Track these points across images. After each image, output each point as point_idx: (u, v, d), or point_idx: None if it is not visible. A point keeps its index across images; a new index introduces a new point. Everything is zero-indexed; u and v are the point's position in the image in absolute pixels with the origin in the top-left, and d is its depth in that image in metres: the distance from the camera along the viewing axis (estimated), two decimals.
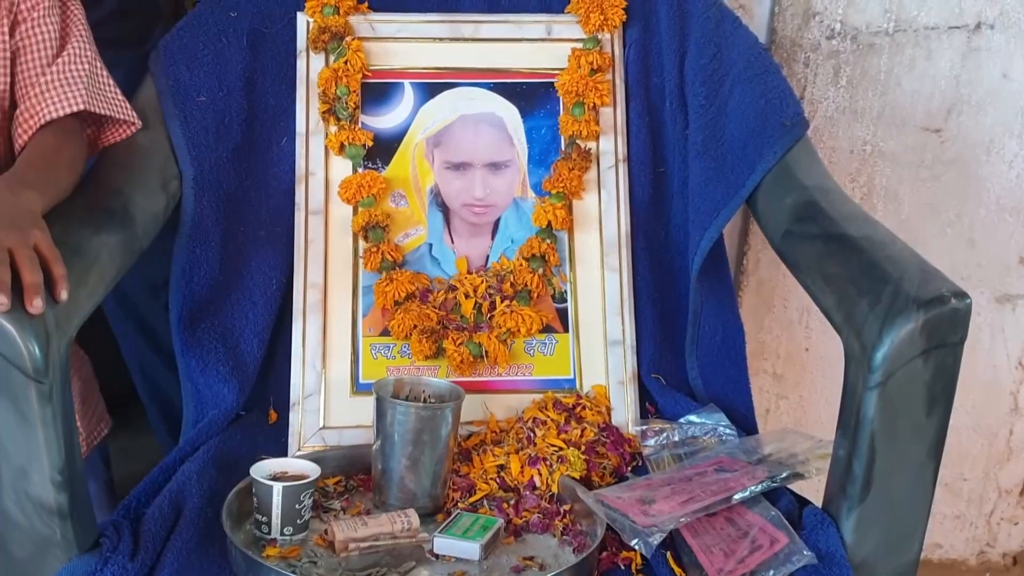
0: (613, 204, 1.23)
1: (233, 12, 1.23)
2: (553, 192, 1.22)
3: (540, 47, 1.27)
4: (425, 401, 1.06)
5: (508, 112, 1.25)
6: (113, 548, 0.89)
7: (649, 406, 1.19)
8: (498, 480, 1.06)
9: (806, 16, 1.44)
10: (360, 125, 1.23)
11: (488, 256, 1.23)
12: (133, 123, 1.09)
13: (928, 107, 1.48)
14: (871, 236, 1.00)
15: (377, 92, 1.24)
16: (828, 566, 0.91)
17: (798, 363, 1.60)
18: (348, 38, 1.23)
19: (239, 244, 1.20)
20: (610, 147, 1.24)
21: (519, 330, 1.18)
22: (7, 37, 1.02)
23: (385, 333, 1.18)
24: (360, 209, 1.20)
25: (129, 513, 0.96)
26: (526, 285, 1.19)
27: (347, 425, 1.13)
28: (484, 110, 1.25)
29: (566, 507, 1.02)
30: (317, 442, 1.12)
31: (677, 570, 0.93)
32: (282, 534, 0.95)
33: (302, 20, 1.25)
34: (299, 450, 1.11)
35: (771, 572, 0.89)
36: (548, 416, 1.12)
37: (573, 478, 1.05)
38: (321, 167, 1.22)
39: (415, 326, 1.16)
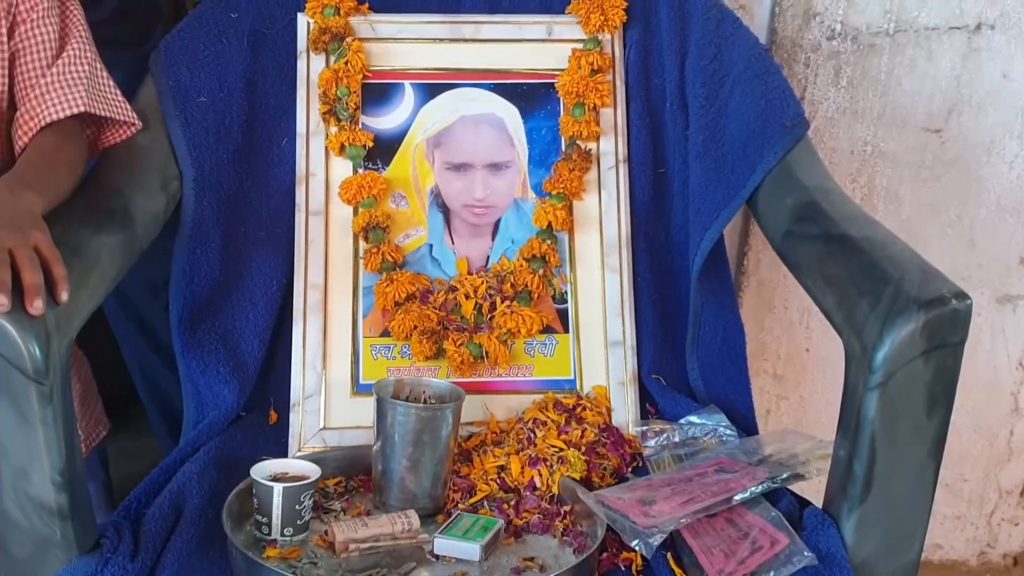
0: (613, 205, 1.23)
1: (234, 13, 1.23)
2: (553, 193, 1.22)
3: (540, 48, 1.27)
4: (425, 402, 1.06)
5: (508, 113, 1.25)
6: (113, 549, 0.89)
7: (649, 407, 1.19)
8: (498, 481, 1.06)
9: (806, 17, 1.44)
10: (360, 126, 1.23)
11: (488, 257, 1.23)
12: (133, 124, 1.09)
13: (929, 108, 1.48)
14: (871, 237, 1.00)
15: (377, 93, 1.24)
16: (829, 567, 0.91)
17: (798, 364, 1.60)
18: (348, 39, 1.23)
19: (239, 245, 1.20)
20: (610, 148, 1.24)
21: (519, 331, 1.18)
22: (5, 39, 1.02)
23: (385, 334, 1.18)
24: (360, 210, 1.20)
25: (129, 514, 0.96)
26: (526, 286, 1.19)
27: (347, 426, 1.13)
28: (484, 111, 1.25)
29: (566, 508, 1.02)
30: (317, 443, 1.12)
31: (677, 571, 0.93)
32: (282, 535, 0.95)
33: (302, 21, 1.25)
34: (299, 451, 1.11)
35: (772, 573, 0.89)
36: (548, 417, 1.12)
37: (573, 479, 1.05)
38: (321, 168, 1.22)
39: (415, 327, 1.16)
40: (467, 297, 1.20)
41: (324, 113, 1.22)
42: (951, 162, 1.50)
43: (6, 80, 1.03)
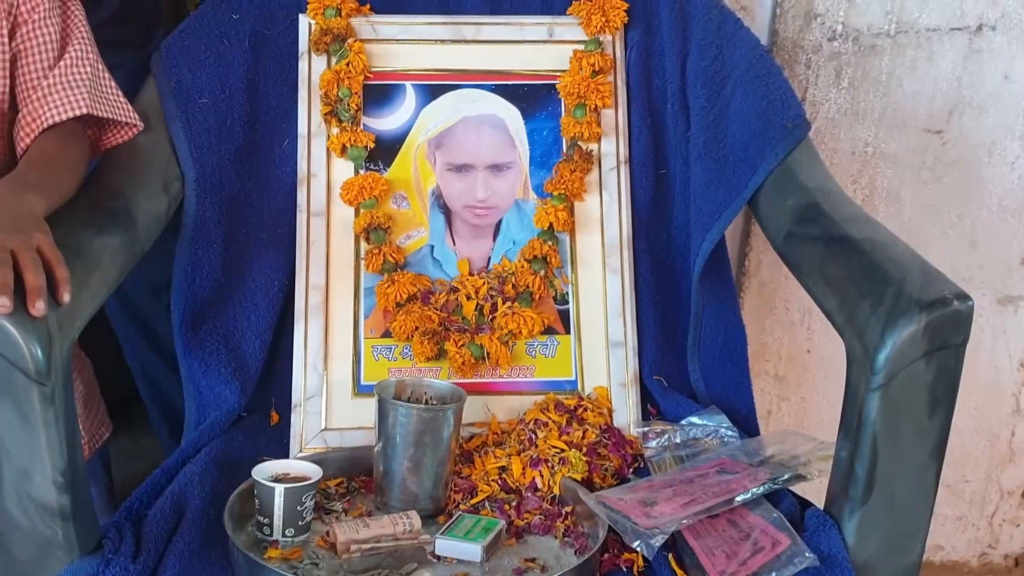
0: (615, 206, 1.23)
1: (235, 14, 1.23)
2: (555, 194, 1.22)
3: (542, 49, 1.27)
4: (427, 403, 1.06)
5: (510, 114, 1.25)
6: (115, 549, 0.89)
7: (651, 408, 1.19)
8: (500, 482, 1.06)
9: (807, 18, 1.44)
10: (362, 127, 1.23)
11: (490, 258, 1.23)
12: (135, 125, 1.09)
13: (930, 108, 1.48)
14: (873, 238, 1.00)
15: (379, 94, 1.24)
16: (830, 568, 0.91)
17: (799, 364, 1.60)
18: (350, 40, 1.23)
19: (241, 246, 1.20)
20: (612, 149, 1.24)
21: (521, 332, 1.18)
22: (7, 40, 1.02)
23: (387, 335, 1.18)
24: (362, 211, 1.20)
25: (131, 514, 0.96)
26: (528, 287, 1.20)
27: (349, 427, 1.13)
28: (486, 112, 1.25)
29: (568, 509, 1.02)
30: (319, 444, 1.12)
31: (679, 572, 0.93)
32: (284, 536, 0.95)
33: (304, 22, 1.25)
34: (301, 452, 1.11)
35: (773, 574, 0.89)
36: (550, 418, 1.12)
37: (575, 480, 1.05)
38: (323, 169, 1.22)
39: (417, 328, 1.16)
40: (468, 298, 1.20)
41: (325, 114, 1.22)
42: (952, 163, 1.50)
43: (7, 81, 1.03)
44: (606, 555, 0.95)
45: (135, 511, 0.97)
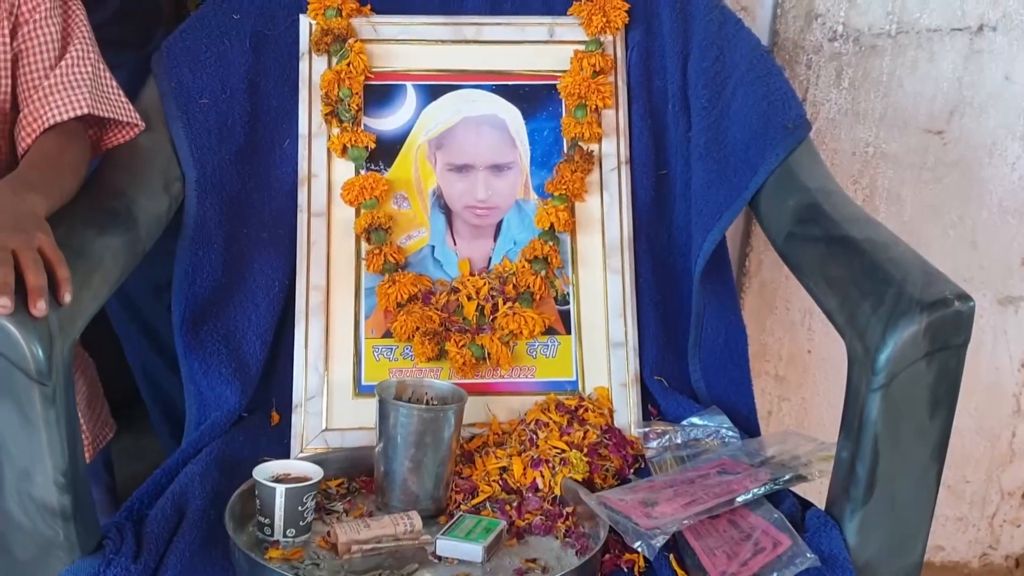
0: (615, 206, 1.23)
1: (236, 14, 1.23)
2: (555, 194, 1.22)
3: (542, 49, 1.27)
4: (427, 403, 1.06)
5: (510, 114, 1.25)
6: (116, 550, 0.89)
7: (651, 408, 1.19)
8: (500, 482, 1.06)
9: (808, 18, 1.44)
10: (362, 127, 1.23)
11: (490, 258, 1.23)
12: (136, 125, 1.09)
13: (930, 109, 1.48)
14: (874, 238, 1.00)
15: (379, 94, 1.24)
16: (831, 568, 0.91)
17: (800, 365, 1.60)
18: (350, 40, 1.23)
19: (242, 246, 1.20)
20: (612, 149, 1.24)
21: (521, 332, 1.18)
22: (8, 40, 1.02)
23: (387, 335, 1.18)
24: (362, 211, 1.20)
25: (132, 515, 0.96)
26: (528, 287, 1.20)
27: (349, 427, 1.13)
28: (486, 112, 1.25)
29: (568, 509, 1.02)
30: (319, 444, 1.12)
31: (680, 572, 0.93)
32: (285, 536, 0.95)
33: (304, 22, 1.25)
34: (301, 452, 1.11)
35: (774, 574, 0.89)
36: (550, 418, 1.12)
37: (575, 480, 1.05)
38: (324, 169, 1.22)
39: (417, 328, 1.16)
40: (469, 298, 1.20)
41: (326, 114, 1.22)
42: (953, 163, 1.50)
43: (9, 81, 1.03)
44: (607, 556, 0.95)
45: (136, 511, 0.97)
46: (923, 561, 0.97)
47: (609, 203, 1.23)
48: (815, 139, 1.25)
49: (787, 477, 0.99)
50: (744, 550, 0.91)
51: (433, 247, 1.23)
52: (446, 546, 0.94)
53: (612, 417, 1.16)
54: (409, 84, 1.25)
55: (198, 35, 1.21)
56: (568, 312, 1.21)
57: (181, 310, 1.16)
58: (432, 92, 1.25)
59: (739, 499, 0.96)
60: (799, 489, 1.03)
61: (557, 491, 1.04)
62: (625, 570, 0.94)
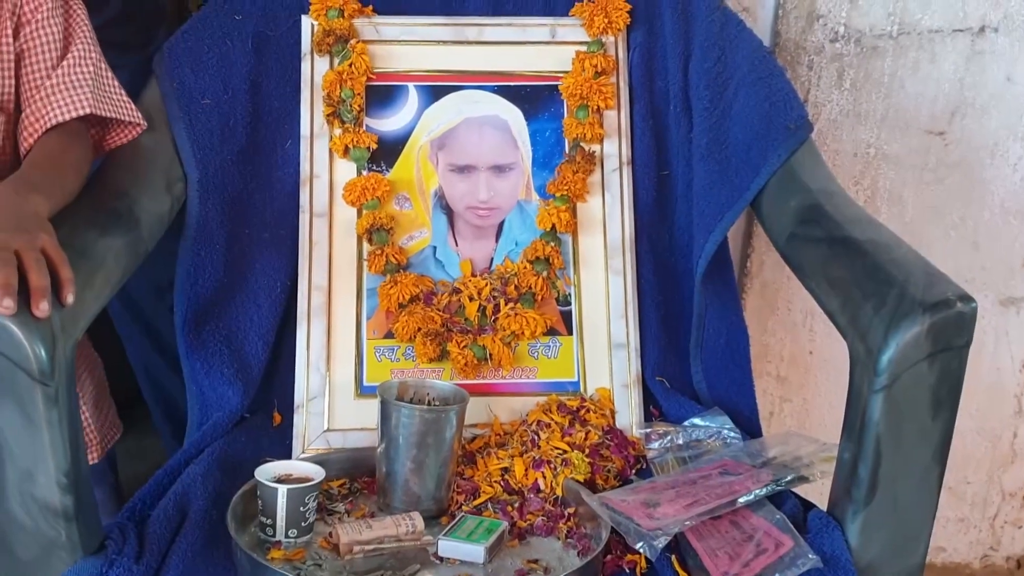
0: (617, 207, 1.23)
1: (238, 15, 1.23)
2: (557, 195, 1.22)
3: (544, 50, 1.27)
4: (429, 404, 1.06)
5: (512, 115, 1.25)
6: (118, 550, 0.89)
7: (653, 409, 1.19)
8: (502, 483, 1.06)
9: (810, 19, 1.44)
10: (364, 128, 1.23)
11: (492, 259, 1.23)
12: (138, 124, 1.09)
13: (932, 110, 1.48)
14: (876, 239, 1.00)
15: (381, 95, 1.24)
16: (833, 569, 0.91)
17: (802, 366, 1.60)
18: (352, 41, 1.24)
19: (244, 246, 1.20)
20: (614, 150, 1.24)
21: (523, 333, 1.18)
22: (11, 40, 1.02)
23: (389, 336, 1.18)
24: (364, 211, 1.20)
25: (134, 515, 0.97)
26: (530, 288, 1.20)
27: (351, 428, 1.13)
28: (488, 113, 1.25)
29: (570, 510, 1.02)
30: (321, 444, 1.12)
31: (682, 573, 0.93)
32: (287, 536, 0.95)
33: (306, 23, 1.25)
34: (303, 452, 1.11)
35: (776, 575, 0.89)
36: (552, 419, 1.12)
37: (577, 481, 1.05)
38: (325, 170, 1.22)
39: (419, 329, 1.16)
40: (471, 299, 1.20)
41: (328, 115, 1.22)
42: (954, 164, 1.50)
43: (12, 81, 1.03)
44: (609, 556, 0.95)
45: (138, 512, 0.97)
46: (925, 562, 0.97)
47: (611, 204, 1.23)
48: (816, 140, 1.25)
49: (789, 478, 0.99)
50: (746, 551, 0.91)
51: (435, 248, 1.23)
52: (448, 547, 0.94)
53: (614, 418, 1.16)
54: (411, 85, 1.25)
55: (200, 36, 1.21)
56: (570, 313, 1.21)
57: (183, 310, 1.16)
58: (434, 93, 1.25)
59: (741, 500, 0.96)
60: (801, 490, 1.03)
61: (559, 492, 1.04)
62: (627, 571, 0.94)
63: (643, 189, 1.24)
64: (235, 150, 1.20)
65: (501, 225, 1.24)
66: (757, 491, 0.97)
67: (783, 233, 1.09)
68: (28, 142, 1.02)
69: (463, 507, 1.03)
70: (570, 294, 1.21)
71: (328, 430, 1.13)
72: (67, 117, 1.01)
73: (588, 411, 1.14)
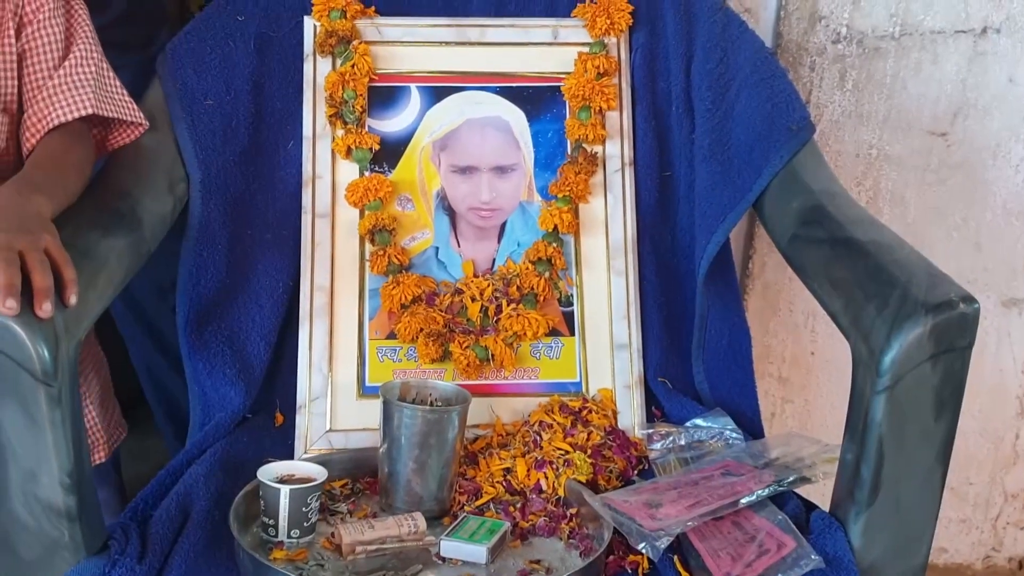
0: (619, 208, 1.23)
1: (240, 16, 1.23)
2: (559, 196, 1.22)
3: (546, 51, 1.27)
4: (432, 404, 1.06)
5: (514, 116, 1.25)
6: (121, 550, 0.89)
7: (655, 410, 1.19)
8: (504, 483, 1.06)
9: (812, 20, 1.44)
10: (367, 129, 1.23)
11: (494, 259, 1.23)
12: (141, 124, 1.09)
13: (934, 111, 1.48)
14: (878, 240, 1.00)
15: (384, 96, 1.25)
16: (836, 570, 0.91)
17: (803, 367, 1.60)
18: (355, 42, 1.24)
19: (246, 247, 1.20)
20: (616, 151, 1.24)
21: (525, 333, 1.18)
22: (14, 40, 1.02)
23: (391, 336, 1.18)
24: (367, 212, 1.20)
25: (136, 515, 0.97)
26: (532, 288, 1.20)
27: (353, 428, 1.13)
28: (490, 114, 1.25)
29: (572, 511, 1.02)
30: (323, 445, 1.12)
31: (684, 574, 0.93)
32: (289, 537, 0.95)
33: (309, 24, 1.25)
34: (305, 453, 1.11)
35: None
36: (554, 419, 1.12)
37: (579, 482, 1.05)
38: (328, 170, 1.22)
39: (421, 329, 1.16)
40: (473, 300, 1.20)
41: (330, 116, 1.22)
42: (957, 165, 1.50)
43: (16, 82, 1.03)
44: (611, 557, 0.95)
45: (140, 512, 0.97)
46: (928, 563, 0.97)
47: (613, 205, 1.23)
48: (819, 141, 1.25)
49: (791, 479, 0.99)
50: (748, 552, 0.91)
51: (437, 248, 1.23)
52: (450, 547, 0.94)
53: (616, 419, 1.16)
54: (413, 86, 1.25)
55: (203, 37, 1.21)
56: (572, 314, 1.21)
57: (185, 311, 1.16)
58: (436, 94, 1.25)
59: (743, 501, 0.96)
60: (803, 491, 1.03)
61: (561, 492, 1.04)
62: (629, 571, 0.94)
63: (645, 190, 1.24)
64: (237, 151, 1.20)
65: (503, 226, 1.24)
66: (759, 492, 0.97)
67: (785, 234, 1.09)
68: (30, 142, 1.02)
69: (465, 507, 1.03)
70: (572, 295, 1.21)
71: (330, 430, 1.13)
72: (69, 117, 1.01)
73: (590, 412, 1.14)
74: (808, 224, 1.07)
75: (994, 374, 1.59)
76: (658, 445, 1.12)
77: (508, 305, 1.19)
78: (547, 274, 1.20)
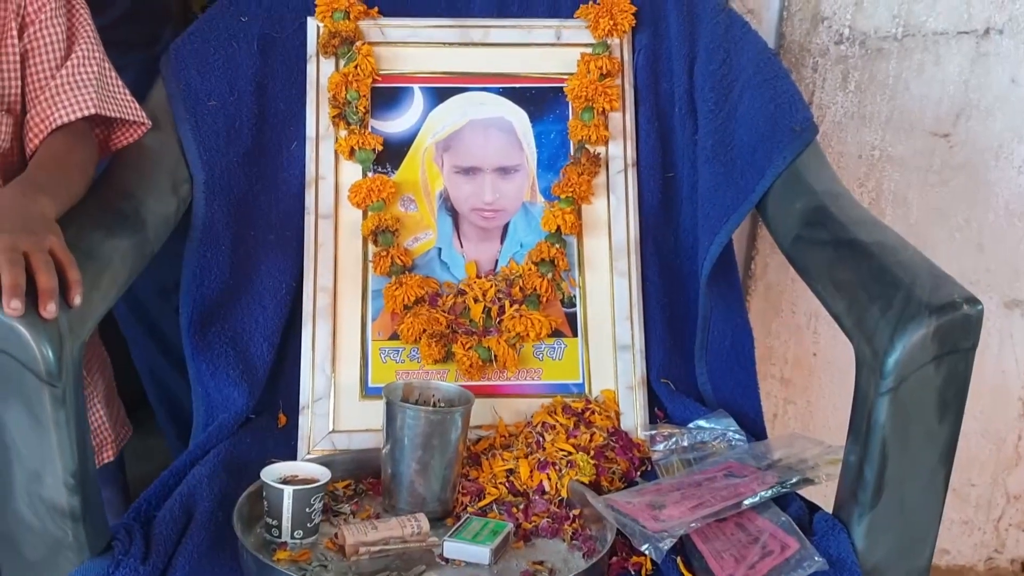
0: (622, 209, 1.23)
1: (244, 17, 1.23)
2: (562, 197, 1.22)
3: (549, 52, 1.27)
4: (434, 405, 1.06)
5: (517, 117, 1.25)
6: (125, 551, 0.89)
7: (658, 411, 1.19)
8: (507, 484, 1.06)
9: (815, 21, 1.44)
10: (370, 129, 1.23)
11: (497, 260, 1.23)
12: (143, 123, 1.09)
13: (937, 112, 1.48)
14: (882, 241, 1.00)
15: (387, 96, 1.25)
16: (839, 572, 0.91)
17: (806, 368, 1.60)
18: (358, 43, 1.24)
19: (249, 248, 1.20)
20: (619, 152, 1.24)
21: (528, 334, 1.18)
22: (16, 40, 1.02)
23: (394, 337, 1.18)
24: (370, 213, 1.20)
25: (140, 516, 0.97)
26: (535, 289, 1.20)
27: (356, 429, 1.14)
28: (493, 115, 1.25)
29: (575, 512, 1.02)
30: (327, 446, 1.12)
31: (687, 575, 0.93)
32: (292, 538, 0.95)
33: (312, 25, 1.25)
34: (309, 454, 1.11)
35: None
36: (557, 420, 1.12)
37: (582, 483, 1.05)
38: (331, 171, 1.22)
39: (424, 330, 1.16)
40: (476, 301, 1.20)
41: (334, 117, 1.22)
42: (959, 166, 1.50)
43: (20, 82, 1.03)
44: (614, 558, 0.95)
45: (144, 512, 0.97)
46: (931, 565, 0.97)
47: (616, 206, 1.23)
48: (821, 142, 1.25)
49: (794, 480, 0.99)
50: (752, 553, 0.91)
51: (440, 249, 1.23)
52: (453, 548, 0.94)
53: (619, 420, 1.16)
54: (416, 87, 1.25)
55: (206, 37, 1.21)
56: (575, 314, 1.21)
57: (189, 312, 1.16)
58: (439, 95, 1.25)
59: (746, 502, 0.96)
60: (806, 492, 1.02)
61: (564, 493, 1.04)
62: (632, 573, 0.94)
63: (648, 191, 1.24)
64: (241, 152, 1.20)
65: (506, 227, 1.24)
66: (762, 493, 0.97)
67: (788, 235, 1.09)
68: (33, 143, 1.02)
69: (468, 508, 1.03)
70: (575, 296, 1.21)
71: (333, 431, 1.13)
72: (72, 117, 1.01)
73: (593, 413, 1.14)
74: (811, 225, 1.07)
75: (996, 375, 1.59)
76: (661, 446, 1.12)
77: (511, 306, 1.19)
78: (550, 275, 1.20)
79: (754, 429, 1.17)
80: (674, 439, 1.12)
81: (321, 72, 1.24)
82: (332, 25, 1.24)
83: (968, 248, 1.53)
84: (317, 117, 1.23)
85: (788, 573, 0.89)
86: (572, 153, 1.25)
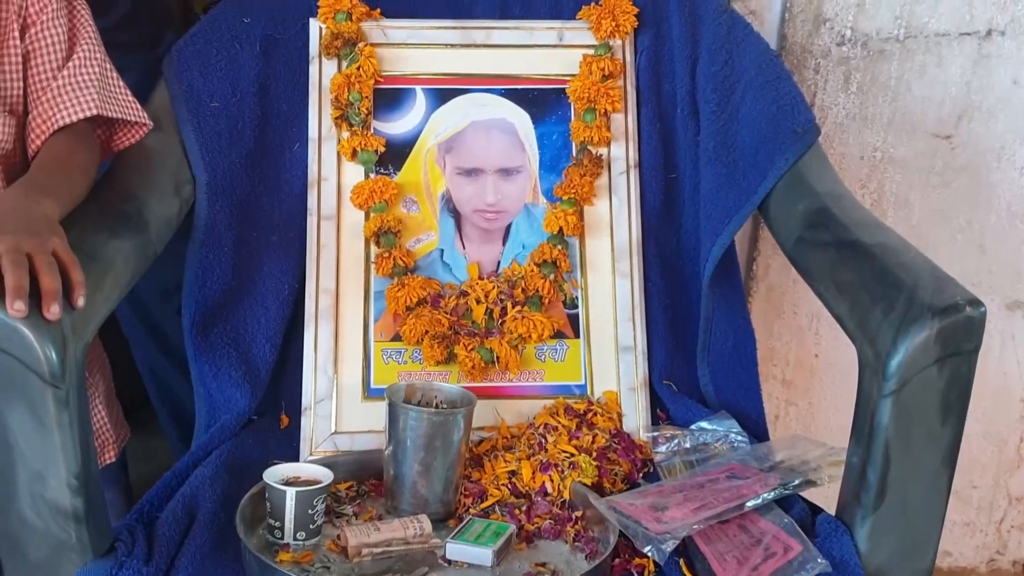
0: (624, 210, 1.23)
1: (246, 18, 1.23)
2: (564, 198, 1.22)
3: (552, 53, 1.27)
4: (437, 406, 1.06)
5: (519, 118, 1.25)
6: (128, 552, 0.90)
7: (660, 412, 1.19)
8: (509, 486, 1.06)
9: (816, 22, 1.44)
10: (372, 131, 1.23)
11: (499, 262, 1.23)
12: (145, 124, 1.09)
13: (939, 113, 1.48)
14: (884, 243, 1.00)
15: (389, 98, 1.25)
16: (842, 574, 0.91)
17: (807, 369, 1.60)
18: (360, 44, 1.24)
19: (251, 249, 1.20)
20: (621, 153, 1.24)
21: (530, 336, 1.18)
22: (18, 41, 1.02)
23: (396, 338, 1.18)
24: (372, 214, 1.21)
25: (143, 517, 0.97)
26: (537, 291, 1.20)
27: (359, 430, 1.14)
28: (496, 116, 1.25)
29: (578, 513, 1.02)
30: (329, 447, 1.12)
31: None
32: (295, 539, 0.95)
33: (315, 26, 1.25)
34: (311, 455, 1.11)
35: None
36: (559, 422, 1.12)
37: (585, 484, 1.05)
38: (333, 172, 1.22)
39: (426, 331, 1.16)
40: (478, 302, 1.20)
41: (336, 118, 1.22)
42: (961, 168, 1.50)
43: (22, 83, 1.03)
44: (617, 560, 0.95)
45: (146, 514, 0.97)
46: (934, 566, 0.97)
47: (618, 207, 1.23)
48: (823, 143, 1.25)
49: (797, 482, 0.99)
50: (754, 555, 0.91)
51: (442, 251, 1.23)
52: (456, 550, 0.94)
53: (621, 421, 1.16)
54: (418, 88, 1.25)
55: (209, 39, 1.21)
56: (577, 316, 1.21)
57: (191, 313, 1.16)
58: (441, 96, 1.25)
59: (749, 504, 0.96)
60: (808, 494, 1.02)
61: (566, 495, 1.04)
62: (635, 575, 0.94)
63: (650, 192, 1.24)
64: (243, 153, 1.20)
65: (508, 228, 1.24)
66: (765, 495, 0.97)
67: (791, 237, 1.09)
68: (35, 144, 1.02)
69: (471, 510, 1.03)
70: (577, 297, 1.21)
71: (336, 432, 1.13)
72: (74, 119, 1.01)
73: (595, 414, 1.14)
74: (813, 227, 1.07)
75: (998, 377, 1.59)
76: (663, 448, 1.12)
77: (513, 307, 1.19)
78: (552, 276, 1.20)
79: (756, 431, 1.17)
80: (676, 441, 1.12)
81: (323, 73, 1.24)
82: (334, 26, 1.24)
83: (970, 250, 1.53)
84: (319, 118, 1.23)
85: (791, 575, 0.89)
86: (574, 154, 1.25)
